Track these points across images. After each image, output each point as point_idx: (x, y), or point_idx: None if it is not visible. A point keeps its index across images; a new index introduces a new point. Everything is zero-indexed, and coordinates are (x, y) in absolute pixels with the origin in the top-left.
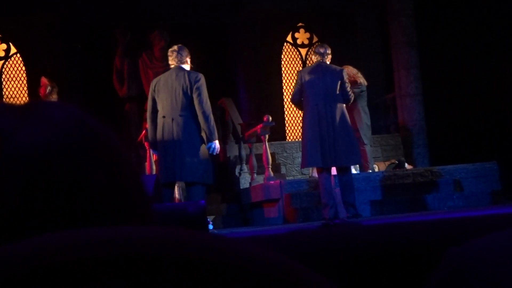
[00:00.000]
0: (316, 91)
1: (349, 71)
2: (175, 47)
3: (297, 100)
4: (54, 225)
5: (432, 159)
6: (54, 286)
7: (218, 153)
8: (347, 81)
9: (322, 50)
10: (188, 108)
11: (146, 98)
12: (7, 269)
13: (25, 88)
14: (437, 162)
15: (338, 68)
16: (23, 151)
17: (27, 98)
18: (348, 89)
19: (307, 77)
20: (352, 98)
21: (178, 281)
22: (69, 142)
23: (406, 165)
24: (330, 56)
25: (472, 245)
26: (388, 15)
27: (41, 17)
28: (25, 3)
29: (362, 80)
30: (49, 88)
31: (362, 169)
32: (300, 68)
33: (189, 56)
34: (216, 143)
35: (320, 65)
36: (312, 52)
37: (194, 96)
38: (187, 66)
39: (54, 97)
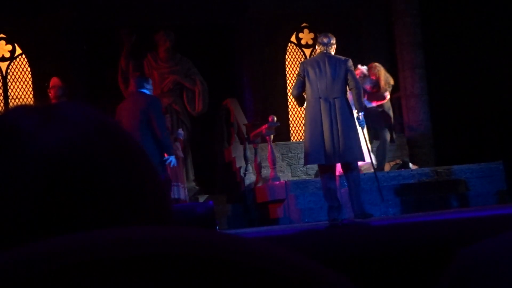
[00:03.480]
0: (318, 84)
1: (377, 71)
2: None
3: (297, 94)
4: (76, 224)
5: (437, 159)
6: (72, 287)
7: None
8: (352, 69)
9: (325, 40)
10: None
11: None
12: (25, 270)
13: (30, 89)
14: (442, 162)
15: (343, 58)
16: (47, 151)
17: (33, 99)
18: (357, 77)
19: (309, 69)
20: (361, 87)
21: (196, 281)
22: (90, 143)
23: (411, 165)
24: (334, 46)
25: (482, 246)
26: (393, 15)
27: (46, 18)
28: (30, 4)
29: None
30: (61, 90)
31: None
32: None
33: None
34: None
35: (323, 56)
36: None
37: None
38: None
39: (65, 99)
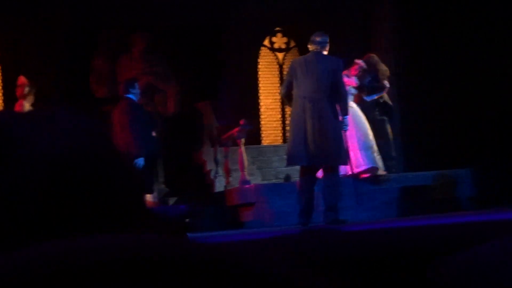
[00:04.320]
0: (306, 85)
1: (375, 61)
2: None
3: (284, 93)
4: (69, 225)
5: (407, 166)
6: None
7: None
8: (341, 72)
9: (318, 39)
10: None
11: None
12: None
13: (0, 88)
14: (411, 169)
15: (334, 58)
16: (40, 156)
17: (2, 99)
18: (345, 85)
19: (298, 68)
20: (348, 95)
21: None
22: (83, 149)
23: (379, 171)
24: (327, 46)
25: (462, 256)
26: (370, 21)
27: (20, 18)
28: (3, 5)
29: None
30: (27, 88)
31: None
32: (277, 73)
33: None
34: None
35: (314, 55)
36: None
37: None
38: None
39: (31, 98)
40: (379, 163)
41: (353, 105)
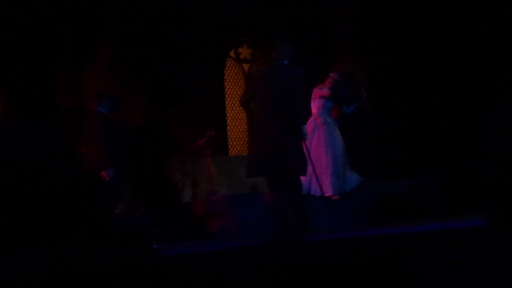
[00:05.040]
0: (267, 94)
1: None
2: None
3: (243, 102)
4: (23, 234)
5: (374, 174)
6: None
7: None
8: (301, 82)
9: (280, 48)
10: None
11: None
12: None
13: None
14: (378, 177)
15: (296, 68)
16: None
17: None
18: (303, 94)
19: (260, 79)
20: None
21: None
22: (34, 158)
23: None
24: (289, 55)
25: (436, 261)
26: (332, 34)
27: None
28: None
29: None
30: None
31: None
32: (243, 84)
33: None
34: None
35: (275, 65)
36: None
37: None
38: None
39: None
40: (347, 186)
41: (329, 120)
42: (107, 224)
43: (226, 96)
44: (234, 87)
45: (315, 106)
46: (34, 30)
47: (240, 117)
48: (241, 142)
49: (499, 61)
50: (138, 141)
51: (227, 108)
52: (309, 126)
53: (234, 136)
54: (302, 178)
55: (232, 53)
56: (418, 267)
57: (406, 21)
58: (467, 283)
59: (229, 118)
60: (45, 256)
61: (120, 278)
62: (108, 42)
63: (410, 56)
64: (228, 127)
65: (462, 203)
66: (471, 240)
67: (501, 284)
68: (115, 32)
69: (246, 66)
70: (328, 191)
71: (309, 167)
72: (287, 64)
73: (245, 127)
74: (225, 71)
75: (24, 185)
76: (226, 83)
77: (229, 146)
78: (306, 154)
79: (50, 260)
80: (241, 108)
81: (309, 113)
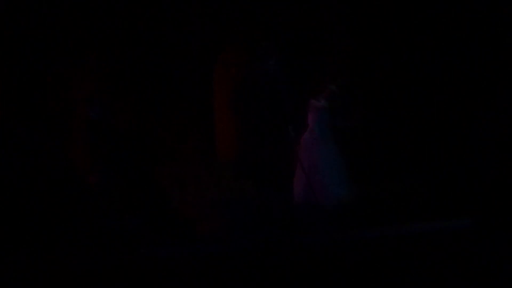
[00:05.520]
0: (255, 98)
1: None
2: None
3: (232, 105)
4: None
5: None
6: None
7: None
8: (291, 90)
9: (263, 51)
10: None
11: None
12: None
13: None
14: (367, 180)
15: (283, 70)
16: None
17: None
18: (289, 95)
19: (245, 82)
20: (303, 121)
21: None
22: (31, 162)
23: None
24: (275, 57)
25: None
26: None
27: None
28: None
29: None
30: None
31: None
32: (231, 88)
33: None
34: None
35: (261, 68)
36: None
37: None
38: None
39: None
40: (341, 194)
41: (324, 131)
42: (96, 227)
43: (214, 100)
44: (222, 91)
45: (311, 118)
46: (27, 33)
47: (228, 120)
48: (229, 145)
49: (499, 61)
50: (127, 145)
51: (215, 112)
52: (304, 137)
53: (222, 140)
54: (297, 186)
55: (220, 57)
56: (408, 267)
57: (406, 21)
58: (457, 283)
59: (217, 121)
60: (34, 258)
61: (108, 280)
62: (95, 47)
63: (410, 56)
64: (216, 130)
65: (449, 204)
66: (458, 241)
67: (488, 282)
68: (103, 36)
69: (233, 70)
70: (323, 199)
71: (304, 176)
72: (273, 65)
73: (233, 130)
74: (213, 76)
75: (16, 187)
76: (214, 87)
77: (217, 149)
78: (300, 164)
79: (40, 262)
80: (229, 112)
81: (302, 120)
